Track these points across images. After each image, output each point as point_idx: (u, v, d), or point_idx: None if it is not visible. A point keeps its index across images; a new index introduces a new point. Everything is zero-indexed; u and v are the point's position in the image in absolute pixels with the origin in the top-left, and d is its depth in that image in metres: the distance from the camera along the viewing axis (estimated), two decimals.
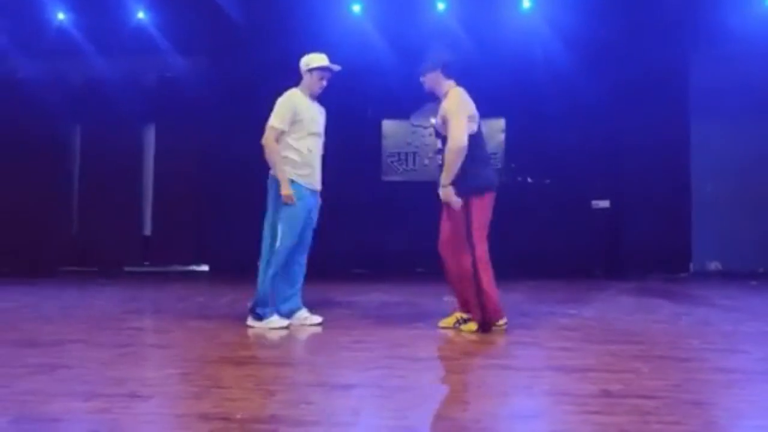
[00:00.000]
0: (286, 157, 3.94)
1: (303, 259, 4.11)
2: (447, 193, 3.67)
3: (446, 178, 3.66)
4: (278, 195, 3.92)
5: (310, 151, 3.99)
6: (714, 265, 7.93)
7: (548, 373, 2.87)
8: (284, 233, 3.89)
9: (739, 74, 7.80)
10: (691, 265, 7.86)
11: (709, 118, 7.93)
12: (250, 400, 2.46)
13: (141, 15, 7.98)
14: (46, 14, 7.85)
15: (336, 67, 4.05)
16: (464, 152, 3.62)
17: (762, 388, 2.66)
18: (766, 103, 7.78)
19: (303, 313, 4.12)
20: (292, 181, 3.92)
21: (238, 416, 2.24)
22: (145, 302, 5.45)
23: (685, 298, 5.51)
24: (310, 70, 4.01)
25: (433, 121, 4.00)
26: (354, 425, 2.21)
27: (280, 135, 3.94)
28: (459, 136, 3.60)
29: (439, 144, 3.83)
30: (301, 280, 4.13)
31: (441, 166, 3.74)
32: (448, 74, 3.79)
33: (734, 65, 7.82)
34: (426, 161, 8.21)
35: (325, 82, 4.06)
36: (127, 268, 8.20)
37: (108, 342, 3.60)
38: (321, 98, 4.17)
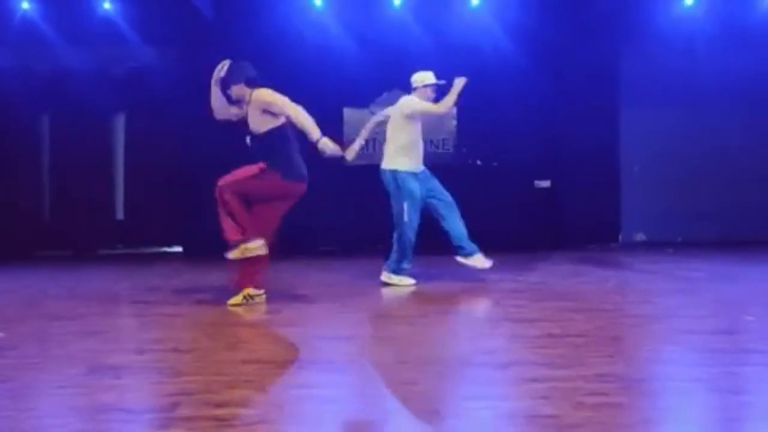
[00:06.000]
0: None
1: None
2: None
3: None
4: None
5: None
6: (639, 237, 8.95)
7: (504, 323, 3.64)
8: None
9: (663, 67, 8.75)
10: (620, 237, 8.86)
11: (637, 107, 8.87)
12: (276, 350, 3.11)
13: (107, 5, 8.20)
14: (10, 4, 7.97)
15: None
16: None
17: (660, 327, 3.52)
18: (686, 93, 8.73)
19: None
20: None
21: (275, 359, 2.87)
22: (136, 281, 5.86)
23: (613, 265, 6.44)
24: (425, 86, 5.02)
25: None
26: (364, 362, 2.89)
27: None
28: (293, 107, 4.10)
29: (247, 140, 4.21)
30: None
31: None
32: (252, 87, 4.23)
33: (659, 59, 8.76)
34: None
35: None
36: (101, 251, 8.53)
37: (126, 313, 4.14)
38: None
